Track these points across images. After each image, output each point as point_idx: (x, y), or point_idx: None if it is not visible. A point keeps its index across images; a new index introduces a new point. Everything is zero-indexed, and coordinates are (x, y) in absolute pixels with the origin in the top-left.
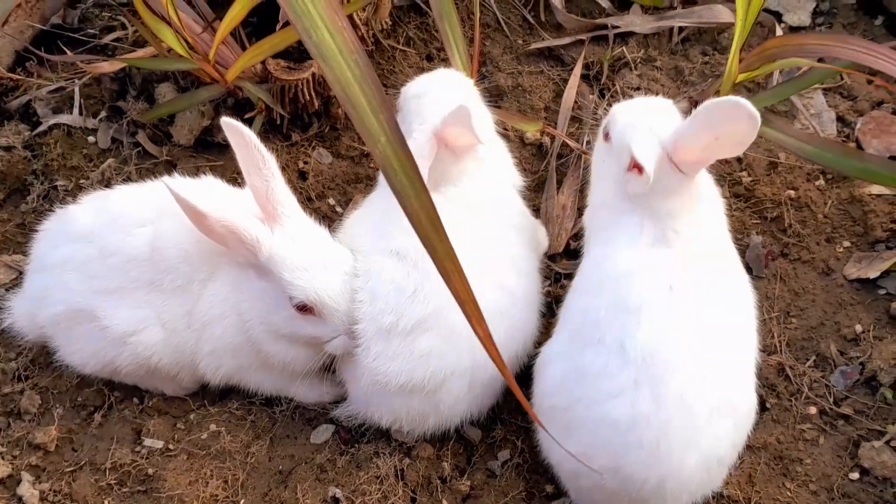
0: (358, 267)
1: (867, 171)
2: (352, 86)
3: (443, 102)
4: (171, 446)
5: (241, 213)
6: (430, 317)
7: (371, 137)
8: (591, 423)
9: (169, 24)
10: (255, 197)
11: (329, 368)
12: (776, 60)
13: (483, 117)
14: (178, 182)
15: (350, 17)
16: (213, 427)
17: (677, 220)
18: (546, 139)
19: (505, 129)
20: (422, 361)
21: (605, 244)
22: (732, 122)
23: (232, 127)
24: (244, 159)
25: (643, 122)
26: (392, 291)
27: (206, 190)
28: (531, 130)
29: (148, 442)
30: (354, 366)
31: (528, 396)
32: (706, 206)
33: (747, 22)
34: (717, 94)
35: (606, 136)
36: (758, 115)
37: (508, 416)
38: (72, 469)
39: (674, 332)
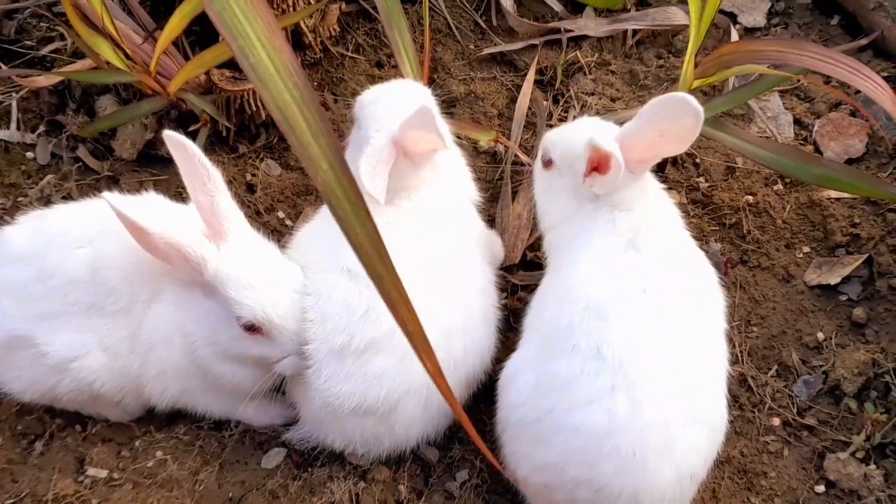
0: (308, 285)
1: (825, 177)
2: (291, 108)
3: (400, 108)
4: (115, 475)
5: (185, 229)
6: (382, 337)
7: (312, 163)
8: (566, 431)
9: (106, 35)
10: (200, 213)
11: (279, 389)
12: (732, 66)
13: (442, 126)
14: (118, 198)
15: (297, 24)
16: (159, 454)
17: (635, 225)
18: (500, 147)
19: (458, 136)
20: (375, 382)
21: (576, 252)
22: (677, 118)
23: (175, 141)
24: (188, 174)
25: (584, 130)
26: (343, 311)
27: (148, 206)
28: (485, 140)
29: (91, 471)
30: (305, 388)
31: (493, 412)
32: (658, 207)
33: (701, 26)
34: None
35: (547, 164)
36: (701, 110)
37: (466, 435)
38: (12, 501)
39: (649, 336)
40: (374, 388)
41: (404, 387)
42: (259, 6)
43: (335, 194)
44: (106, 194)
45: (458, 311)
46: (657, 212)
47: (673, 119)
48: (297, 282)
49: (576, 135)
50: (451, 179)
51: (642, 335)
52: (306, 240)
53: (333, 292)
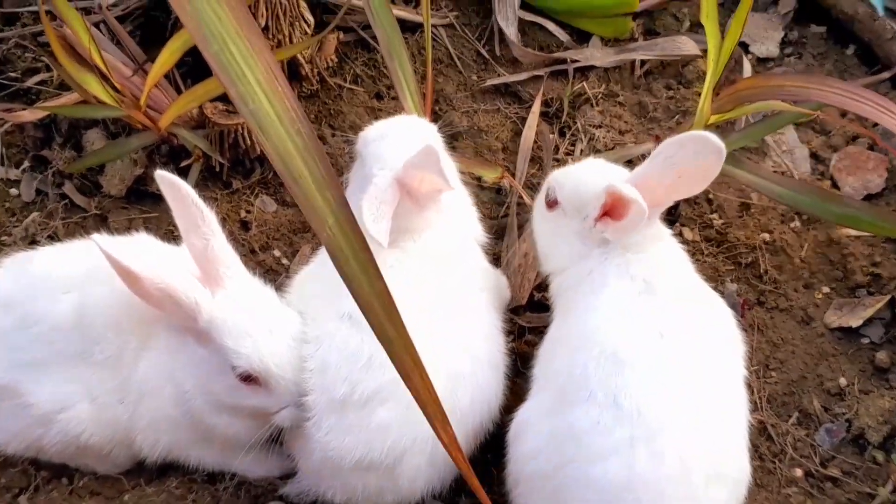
0: (308, 332)
1: (846, 216)
2: (294, 159)
3: (406, 146)
4: None
5: (178, 273)
6: (387, 386)
7: (317, 218)
8: (582, 486)
9: (94, 68)
10: (194, 256)
11: (276, 440)
12: (750, 102)
13: (448, 164)
14: (108, 240)
15: (294, 56)
16: None
17: (650, 267)
18: (505, 182)
19: (462, 172)
20: (379, 434)
21: (587, 295)
22: (696, 157)
23: (167, 181)
24: (181, 216)
25: (594, 172)
26: (344, 360)
27: (139, 248)
28: (490, 178)
29: None
30: (305, 441)
31: (501, 463)
32: (670, 250)
33: (720, 61)
34: None
35: (551, 204)
36: (723, 147)
37: None
38: None
39: (669, 383)
40: (377, 440)
41: (410, 437)
42: (259, 47)
43: (342, 251)
44: (95, 236)
45: (465, 358)
46: (670, 254)
47: (692, 159)
48: (295, 329)
49: (585, 176)
50: (457, 220)
51: (661, 382)
52: (304, 284)
53: (334, 340)
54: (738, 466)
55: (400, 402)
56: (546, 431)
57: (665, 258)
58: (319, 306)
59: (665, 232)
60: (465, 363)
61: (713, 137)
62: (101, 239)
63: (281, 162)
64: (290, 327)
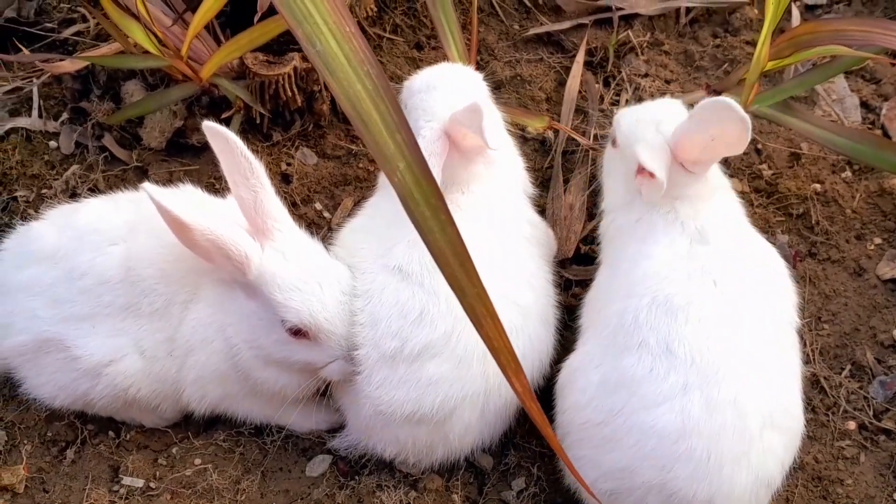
0: (357, 286)
1: None
2: (364, 102)
3: (454, 97)
4: (152, 485)
5: (228, 225)
6: (437, 341)
7: (388, 162)
8: (635, 433)
9: (135, 17)
10: (242, 209)
11: (324, 393)
12: (809, 48)
13: (494, 117)
14: (158, 189)
15: None
16: (198, 462)
17: (701, 218)
18: (549, 133)
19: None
20: (430, 389)
21: (637, 243)
22: (723, 123)
23: (215, 132)
24: (229, 168)
25: (649, 124)
26: (395, 314)
27: (187, 199)
28: (537, 127)
29: (127, 480)
30: (354, 394)
31: (550, 417)
32: (722, 201)
33: (780, 6)
34: (742, 82)
35: (614, 143)
36: (747, 118)
37: (522, 440)
38: None
39: (722, 332)
40: (428, 395)
41: (461, 393)
42: None
43: (413, 196)
44: (146, 184)
45: (516, 312)
46: (723, 206)
47: (720, 125)
48: (345, 283)
49: (640, 120)
50: (505, 172)
51: (715, 330)
52: (352, 237)
53: (384, 294)
54: (792, 415)
55: (451, 357)
56: (596, 380)
57: (717, 210)
58: (368, 259)
59: (721, 184)
60: (517, 317)
61: (735, 106)
62: (151, 187)
63: (350, 104)
64: (340, 281)
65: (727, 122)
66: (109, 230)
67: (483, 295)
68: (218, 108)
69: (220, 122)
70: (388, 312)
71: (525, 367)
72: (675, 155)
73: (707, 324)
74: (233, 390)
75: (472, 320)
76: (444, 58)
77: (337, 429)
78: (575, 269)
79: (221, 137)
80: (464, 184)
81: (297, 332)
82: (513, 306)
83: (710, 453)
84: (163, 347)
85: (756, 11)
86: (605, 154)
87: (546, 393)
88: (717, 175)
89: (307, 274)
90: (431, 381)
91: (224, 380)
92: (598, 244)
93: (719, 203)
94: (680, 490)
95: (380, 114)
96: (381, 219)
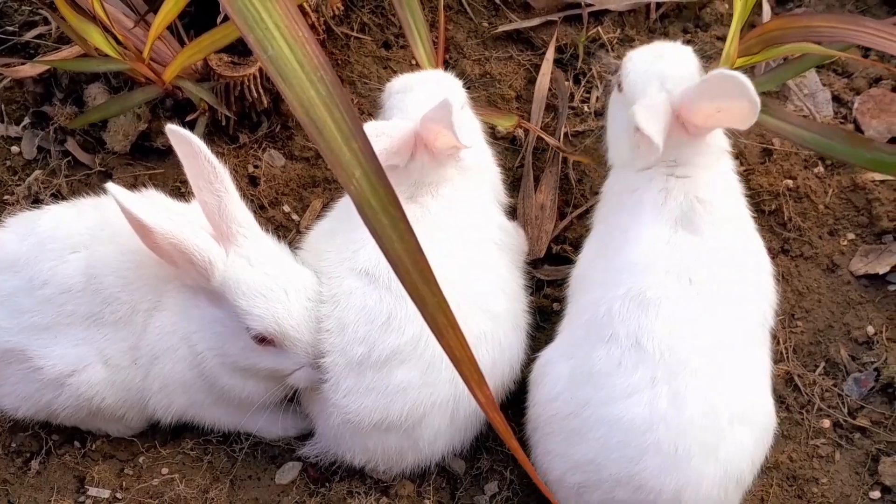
0: (323, 291)
1: (876, 161)
2: (317, 108)
3: (428, 99)
4: (118, 495)
5: (192, 229)
6: (405, 346)
7: (343, 170)
8: (603, 426)
9: (95, 19)
10: (207, 214)
11: (292, 399)
12: (779, 44)
13: (470, 122)
14: (122, 191)
15: (299, 5)
16: (165, 471)
17: (697, 185)
18: (520, 131)
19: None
20: (398, 396)
21: (625, 227)
22: (732, 98)
23: (178, 136)
24: (193, 172)
25: (654, 78)
26: (362, 319)
27: (151, 203)
28: (506, 126)
29: (93, 491)
30: (322, 403)
31: (523, 415)
32: (720, 176)
33: (748, 2)
34: None
35: (620, 87)
36: (758, 99)
37: (494, 444)
38: None
39: (695, 329)
40: (396, 402)
41: (430, 399)
42: None
43: (370, 205)
44: (110, 185)
45: (486, 318)
46: (717, 182)
47: (728, 99)
48: (311, 289)
49: (646, 72)
50: (479, 178)
51: (686, 327)
52: (319, 240)
53: (351, 298)
54: (762, 411)
55: (419, 363)
56: (566, 372)
57: (711, 185)
58: (335, 263)
59: (718, 158)
60: (487, 323)
61: (747, 83)
62: (115, 188)
63: (303, 111)
64: (307, 287)
65: (737, 98)
66: (70, 237)
67: (444, 304)
68: (183, 110)
69: (185, 124)
70: (354, 317)
71: (496, 373)
72: (678, 115)
73: (678, 320)
74: (199, 398)
75: (433, 331)
76: (413, 57)
77: (307, 435)
78: (547, 270)
79: (185, 142)
80: (434, 185)
81: (263, 340)
82: (482, 312)
83: (677, 446)
84: (127, 356)
85: (726, 6)
86: (611, 99)
87: (519, 397)
88: (719, 139)
89: (272, 280)
90: (400, 387)
91: (190, 388)
92: (570, 244)
93: (718, 175)
94: (647, 482)
95: (334, 121)
96: (348, 221)
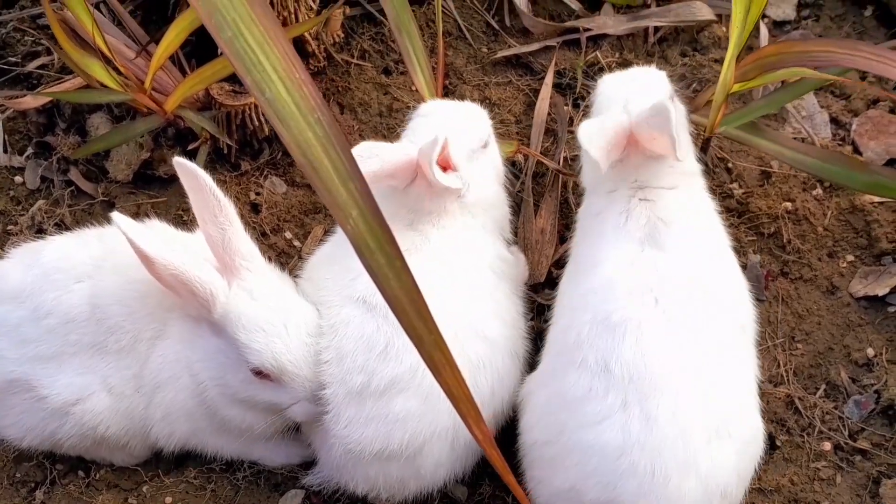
0: (322, 322)
1: (876, 184)
2: (314, 149)
3: (440, 128)
4: None
5: (195, 261)
6: (404, 374)
7: (341, 211)
8: (579, 452)
9: (96, 51)
10: (211, 247)
11: (297, 428)
12: (776, 69)
13: (491, 163)
14: (127, 220)
15: (300, 35)
16: (168, 500)
17: (660, 206)
18: (519, 156)
19: None
20: (398, 426)
21: (592, 249)
22: (659, 130)
23: (186, 169)
24: (198, 205)
25: (617, 101)
26: (361, 348)
27: (153, 233)
28: (506, 152)
29: None
30: (323, 433)
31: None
32: (689, 192)
33: (745, 29)
34: (709, 104)
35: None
36: (675, 136)
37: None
38: None
39: (662, 349)
40: (397, 431)
41: (430, 428)
42: (274, 33)
43: (367, 245)
44: (115, 215)
45: (484, 346)
46: (684, 203)
47: (656, 130)
48: (311, 324)
49: (610, 96)
50: (482, 214)
51: (653, 348)
52: (318, 268)
53: (349, 328)
54: (745, 425)
55: (418, 391)
56: (543, 400)
57: (679, 203)
58: (333, 291)
59: (685, 179)
60: (485, 350)
61: (667, 123)
62: (120, 218)
63: (301, 153)
64: (307, 322)
65: (659, 131)
66: (74, 268)
67: (440, 342)
68: (185, 139)
69: (187, 153)
70: (353, 347)
71: (495, 401)
72: (635, 138)
73: (644, 341)
74: (201, 426)
75: (430, 368)
76: (412, 83)
77: (310, 463)
78: (547, 294)
79: (191, 174)
80: (434, 214)
81: (261, 373)
82: (480, 339)
83: (653, 467)
84: (130, 384)
85: (724, 30)
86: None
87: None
88: (678, 169)
89: (273, 315)
90: (399, 417)
91: (192, 416)
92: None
93: (685, 195)
94: None
95: (331, 161)
96: (346, 248)
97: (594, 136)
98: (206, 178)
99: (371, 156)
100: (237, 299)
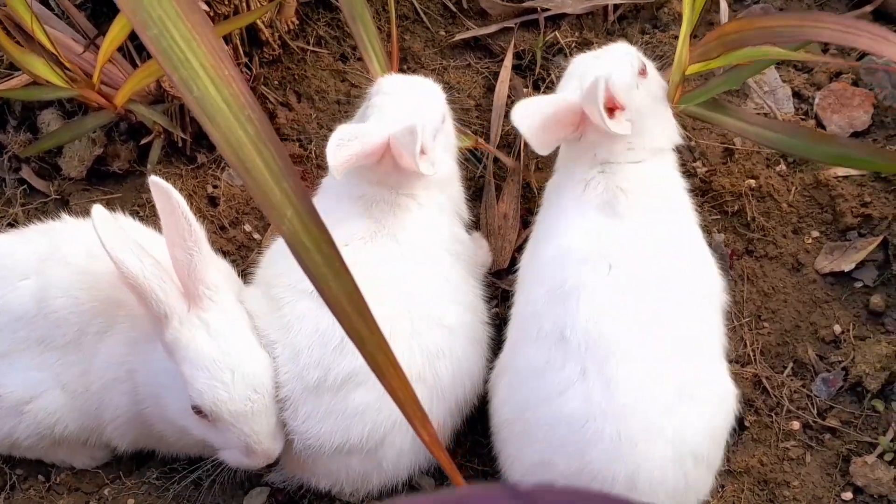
0: (278, 318)
1: (840, 156)
2: (246, 148)
3: (407, 107)
4: None
5: (159, 276)
6: (361, 368)
7: (275, 211)
8: (545, 425)
9: (41, 48)
10: (176, 270)
11: None
12: (738, 47)
13: (446, 138)
14: (103, 217)
15: (253, 23)
16: (131, 501)
17: (619, 177)
18: (480, 140)
19: None
20: (357, 419)
21: (551, 218)
22: (588, 101)
23: (160, 189)
24: (169, 227)
25: (574, 78)
26: (316, 342)
27: (125, 235)
28: (463, 145)
29: None
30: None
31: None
32: (649, 170)
33: (696, 7)
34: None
35: None
36: (600, 107)
37: (464, 460)
38: None
39: (617, 314)
40: (355, 425)
41: (389, 420)
42: (202, 29)
43: (303, 245)
44: (96, 207)
45: (441, 333)
46: (649, 174)
47: (590, 102)
48: (261, 380)
49: (573, 70)
50: (440, 192)
51: (607, 314)
52: (271, 264)
53: (304, 323)
54: (711, 388)
55: (377, 384)
56: (507, 377)
57: (638, 177)
58: (287, 286)
59: (652, 155)
60: (443, 338)
61: (593, 98)
62: (99, 213)
63: (231, 152)
64: (255, 375)
65: (588, 101)
66: (18, 265)
67: (383, 343)
68: (138, 133)
69: (140, 148)
70: (308, 342)
71: (456, 389)
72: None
73: (598, 308)
74: (145, 432)
75: (373, 370)
76: (369, 70)
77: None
78: (511, 280)
79: (165, 195)
80: (394, 194)
81: (200, 411)
82: (438, 326)
83: (619, 432)
84: (81, 381)
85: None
86: None
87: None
88: (655, 137)
89: (223, 357)
90: (358, 410)
91: (137, 421)
92: None
93: (651, 168)
94: (598, 473)
95: (263, 160)
96: None
97: (526, 113)
98: (180, 199)
99: (352, 138)
100: (192, 330)
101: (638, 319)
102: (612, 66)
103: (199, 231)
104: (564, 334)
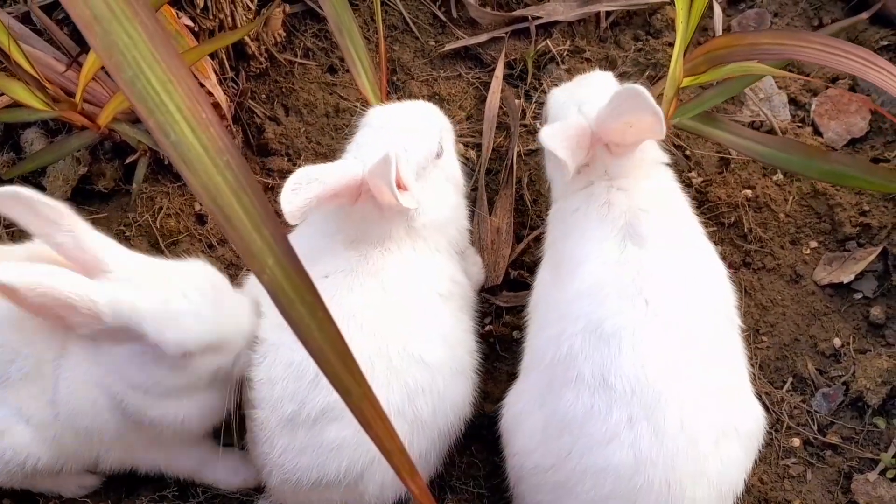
0: (260, 340)
1: (834, 172)
2: (225, 195)
3: (390, 143)
4: None
5: (58, 273)
6: (336, 403)
7: (255, 260)
8: (590, 476)
9: (19, 71)
10: (66, 255)
11: (242, 448)
12: (726, 63)
13: (445, 171)
14: None
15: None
16: None
17: (636, 195)
18: (471, 152)
19: None
20: (333, 454)
21: (573, 249)
22: (636, 112)
23: (6, 197)
24: (37, 223)
25: (571, 105)
26: (291, 376)
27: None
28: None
29: None
30: (262, 461)
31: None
32: (661, 181)
33: (691, 21)
34: (661, 97)
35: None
36: (658, 109)
37: (459, 482)
38: None
39: (661, 356)
40: (332, 460)
41: (367, 456)
42: (179, 71)
43: (287, 295)
44: None
45: (421, 371)
46: (659, 186)
47: (634, 113)
48: (204, 277)
49: (564, 102)
50: (433, 238)
51: (650, 356)
52: (254, 287)
53: (279, 353)
54: (748, 417)
55: (352, 420)
56: (541, 423)
57: (653, 193)
58: (269, 312)
59: (657, 159)
60: (423, 376)
61: (645, 96)
62: None
63: (210, 198)
64: (199, 275)
65: (639, 111)
66: None
67: (369, 394)
68: (123, 152)
69: (126, 166)
70: (283, 373)
71: (437, 420)
72: (599, 137)
73: (641, 349)
74: (133, 442)
75: (359, 421)
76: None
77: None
78: (506, 296)
79: (14, 198)
80: (380, 241)
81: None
82: (417, 364)
83: (668, 481)
84: (48, 411)
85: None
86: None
87: (477, 429)
88: (652, 150)
89: (165, 291)
90: (333, 446)
91: (121, 432)
92: (527, 269)
93: (657, 184)
94: None
95: (243, 207)
96: None
97: (557, 137)
98: (27, 192)
99: (310, 181)
100: (121, 293)
101: (679, 359)
102: (605, 89)
103: (65, 208)
104: (608, 380)
